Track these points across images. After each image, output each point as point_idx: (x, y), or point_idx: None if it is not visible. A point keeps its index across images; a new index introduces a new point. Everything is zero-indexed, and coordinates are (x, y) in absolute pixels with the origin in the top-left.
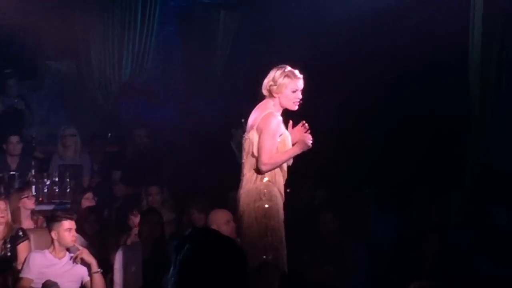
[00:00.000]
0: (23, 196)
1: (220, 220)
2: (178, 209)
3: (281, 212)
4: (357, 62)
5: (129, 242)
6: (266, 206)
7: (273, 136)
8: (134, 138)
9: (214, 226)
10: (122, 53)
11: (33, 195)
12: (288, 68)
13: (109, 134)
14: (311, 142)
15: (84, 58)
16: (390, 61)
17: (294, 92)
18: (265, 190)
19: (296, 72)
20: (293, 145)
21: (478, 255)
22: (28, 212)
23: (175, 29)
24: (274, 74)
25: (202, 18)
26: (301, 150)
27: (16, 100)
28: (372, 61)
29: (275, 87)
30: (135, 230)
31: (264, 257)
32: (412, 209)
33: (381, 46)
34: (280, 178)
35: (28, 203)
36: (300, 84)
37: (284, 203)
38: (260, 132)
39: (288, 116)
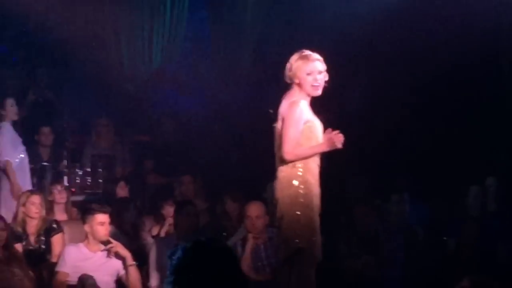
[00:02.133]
0: (54, 190)
1: (254, 213)
2: (211, 198)
3: (316, 199)
4: (387, 47)
5: (163, 233)
6: (299, 193)
7: (295, 124)
8: (164, 127)
9: (248, 219)
10: (152, 41)
11: (64, 188)
12: (305, 51)
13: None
14: (341, 142)
15: (114, 47)
16: (421, 47)
17: (309, 74)
18: (298, 178)
19: (312, 54)
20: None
21: None
22: (62, 204)
23: (205, 16)
24: (290, 60)
25: (231, 4)
26: (329, 149)
27: (46, 91)
28: (403, 47)
29: (291, 72)
30: (170, 220)
31: (298, 244)
32: (447, 195)
33: (410, 33)
34: (313, 165)
35: (59, 197)
36: (315, 66)
37: (320, 191)
38: (283, 121)
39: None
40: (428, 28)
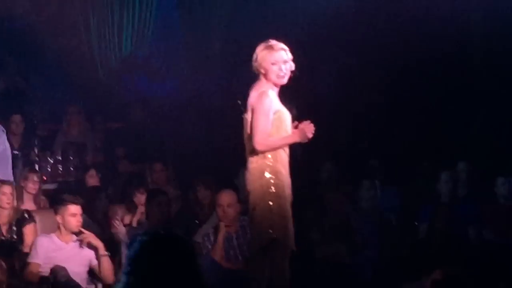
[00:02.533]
0: (27, 180)
1: (225, 202)
2: (183, 186)
3: (287, 189)
4: (357, 30)
5: (135, 222)
6: (270, 183)
7: (265, 114)
8: (135, 114)
9: (220, 208)
10: (122, 27)
11: (36, 179)
12: (270, 41)
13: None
14: (311, 133)
15: (85, 33)
16: (391, 29)
17: (274, 64)
18: (268, 169)
19: (277, 43)
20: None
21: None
22: (32, 194)
23: (174, 2)
24: (256, 51)
25: None
26: (300, 140)
27: (16, 79)
28: (373, 28)
29: (256, 63)
30: (141, 209)
31: (272, 233)
32: (418, 180)
33: (381, 15)
34: (283, 155)
35: (31, 188)
36: (280, 55)
37: (291, 180)
38: (252, 112)
39: (287, 88)
40: (399, 10)
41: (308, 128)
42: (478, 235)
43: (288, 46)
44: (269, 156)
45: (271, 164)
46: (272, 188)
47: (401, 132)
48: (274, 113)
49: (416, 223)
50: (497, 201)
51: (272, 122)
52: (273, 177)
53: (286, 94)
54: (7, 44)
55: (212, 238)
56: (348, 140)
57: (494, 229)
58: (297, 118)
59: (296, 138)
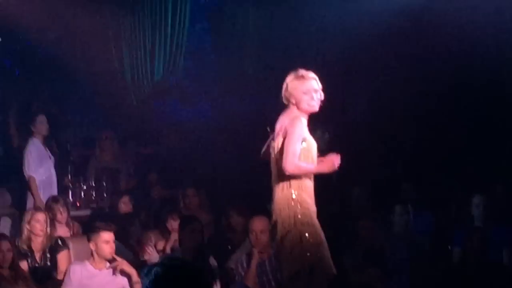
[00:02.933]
0: (55, 210)
1: (258, 228)
2: (215, 211)
3: (314, 216)
4: (391, 56)
5: (168, 248)
6: (298, 212)
7: (297, 139)
8: (168, 139)
9: (252, 234)
10: (154, 52)
11: (62, 206)
12: (299, 71)
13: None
14: (338, 163)
15: (117, 59)
16: (425, 55)
17: (305, 93)
18: (294, 198)
19: (306, 73)
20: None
21: None
22: (61, 223)
23: (206, 27)
24: (286, 80)
25: (232, 15)
26: (327, 170)
27: (50, 105)
28: (406, 56)
29: (287, 92)
30: (175, 235)
31: (305, 262)
32: (451, 204)
33: (413, 42)
34: (308, 184)
35: (60, 218)
36: (310, 84)
37: (318, 206)
38: (285, 136)
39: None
40: (430, 35)
41: (336, 160)
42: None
43: (318, 72)
44: (295, 185)
45: (296, 193)
46: (300, 216)
47: (434, 156)
48: (303, 141)
49: (450, 248)
50: None
51: (300, 150)
52: (299, 206)
53: (319, 118)
54: (41, 71)
55: (245, 264)
56: (381, 164)
57: None
58: (330, 142)
59: (324, 169)
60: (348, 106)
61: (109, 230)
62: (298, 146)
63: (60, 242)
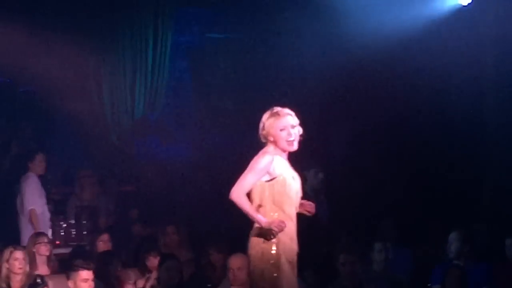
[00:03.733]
0: (38, 242)
1: (236, 265)
2: (196, 248)
3: (289, 257)
4: (370, 93)
5: (148, 286)
6: (269, 252)
7: (255, 172)
8: (148, 176)
9: (230, 271)
10: (134, 90)
11: (47, 241)
12: (274, 108)
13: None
14: (279, 231)
15: (97, 96)
16: (404, 91)
17: (282, 130)
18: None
19: (282, 109)
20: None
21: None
22: (44, 257)
23: (186, 65)
24: (262, 119)
25: (212, 53)
26: (264, 225)
27: (30, 142)
28: (387, 91)
29: (264, 131)
30: (155, 274)
31: None
32: (429, 242)
33: (394, 76)
34: (289, 224)
35: (43, 250)
36: (287, 120)
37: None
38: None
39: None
40: (408, 70)
41: (279, 226)
42: None
43: (298, 108)
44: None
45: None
46: (269, 256)
47: (414, 193)
48: (277, 177)
49: (429, 285)
50: (509, 262)
51: (274, 185)
52: (274, 248)
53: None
54: (21, 108)
55: None
56: (360, 201)
57: None
58: (323, 181)
59: (263, 224)
60: (329, 143)
61: (88, 268)
62: (253, 178)
63: (39, 280)
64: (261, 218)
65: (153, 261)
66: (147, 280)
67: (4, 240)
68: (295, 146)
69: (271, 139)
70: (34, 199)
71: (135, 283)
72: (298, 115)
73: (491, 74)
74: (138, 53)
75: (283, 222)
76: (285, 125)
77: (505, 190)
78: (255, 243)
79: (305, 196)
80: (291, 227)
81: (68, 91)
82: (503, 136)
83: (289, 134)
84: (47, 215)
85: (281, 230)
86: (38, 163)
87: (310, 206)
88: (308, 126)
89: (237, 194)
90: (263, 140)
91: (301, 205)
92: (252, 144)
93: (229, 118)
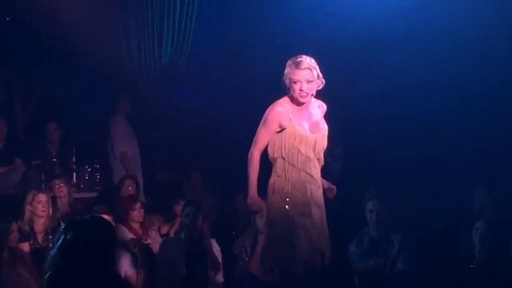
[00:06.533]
0: (54, 186)
1: None
2: (221, 195)
3: (293, 211)
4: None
5: (172, 232)
6: (272, 200)
7: (262, 123)
8: (174, 123)
9: (256, 217)
10: (162, 36)
11: (65, 183)
12: (297, 58)
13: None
14: (253, 210)
15: (125, 41)
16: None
17: (295, 83)
18: (274, 186)
19: (303, 61)
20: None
21: None
22: (64, 199)
23: (216, 11)
24: (286, 64)
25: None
26: (247, 201)
27: (56, 86)
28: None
29: (284, 79)
30: (179, 220)
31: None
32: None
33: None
34: (296, 176)
35: (58, 191)
36: (303, 74)
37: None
38: None
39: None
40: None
41: (257, 206)
42: None
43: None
44: (277, 173)
45: (278, 181)
46: (271, 204)
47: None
48: (287, 128)
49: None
50: None
51: (282, 137)
52: (276, 194)
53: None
54: (48, 52)
55: (249, 250)
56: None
57: None
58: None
59: (250, 193)
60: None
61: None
62: (263, 131)
63: (62, 223)
64: (250, 191)
65: (177, 207)
66: (171, 226)
67: None
68: (306, 100)
69: (288, 87)
70: (123, 142)
71: (159, 229)
72: None
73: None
74: None
75: (261, 207)
76: (299, 79)
77: None
78: (270, 190)
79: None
80: (300, 179)
81: (96, 36)
82: None
83: (301, 89)
84: (139, 158)
85: (256, 212)
86: (124, 104)
87: (329, 191)
88: None
89: (250, 152)
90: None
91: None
92: (280, 93)
93: (260, 67)
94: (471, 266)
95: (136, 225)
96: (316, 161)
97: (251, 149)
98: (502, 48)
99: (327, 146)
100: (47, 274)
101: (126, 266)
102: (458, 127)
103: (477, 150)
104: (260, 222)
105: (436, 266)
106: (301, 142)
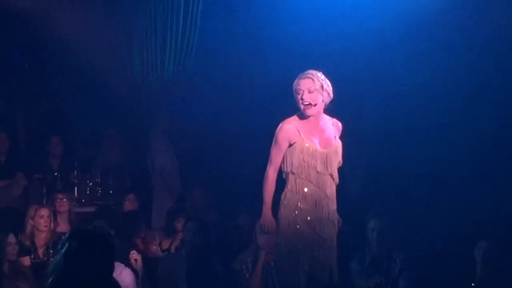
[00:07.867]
0: (56, 200)
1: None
2: (223, 211)
3: (304, 225)
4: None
5: (173, 247)
6: (282, 214)
7: (274, 143)
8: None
9: (258, 233)
10: (165, 50)
11: (66, 198)
12: (306, 71)
13: None
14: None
15: (127, 56)
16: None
17: (297, 93)
18: (285, 200)
19: (307, 72)
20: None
21: None
22: (64, 214)
23: (218, 25)
24: None
25: (246, 11)
26: (263, 219)
27: (58, 100)
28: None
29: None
30: (180, 235)
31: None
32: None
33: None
34: (307, 191)
35: (58, 206)
36: (303, 83)
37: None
38: None
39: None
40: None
41: (269, 226)
42: None
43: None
44: (289, 188)
45: (288, 195)
46: (280, 217)
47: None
48: (295, 143)
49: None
50: None
51: (291, 151)
52: (285, 207)
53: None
54: (50, 65)
55: (250, 266)
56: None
57: None
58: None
59: (264, 213)
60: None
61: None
62: (275, 150)
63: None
64: (264, 210)
65: (179, 222)
66: (172, 241)
67: None
68: (309, 111)
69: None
70: (162, 155)
71: (160, 244)
72: None
73: None
74: (169, 11)
75: (273, 228)
76: (300, 88)
77: None
78: (282, 203)
79: None
80: (310, 194)
81: (98, 50)
82: None
83: (302, 97)
84: (176, 169)
85: (268, 232)
86: (163, 118)
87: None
88: None
89: (266, 172)
90: None
91: None
92: (286, 107)
93: (261, 80)
94: (473, 284)
95: (137, 240)
96: (329, 177)
97: (267, 168)
98: (508, 50)
99: (345, 165)
100: (50, 279)
101: (126, 281)
102: (461, 145)
103: (480, 168)
104: (261, 239)
105: (437, 284)
106: (310, 156)
